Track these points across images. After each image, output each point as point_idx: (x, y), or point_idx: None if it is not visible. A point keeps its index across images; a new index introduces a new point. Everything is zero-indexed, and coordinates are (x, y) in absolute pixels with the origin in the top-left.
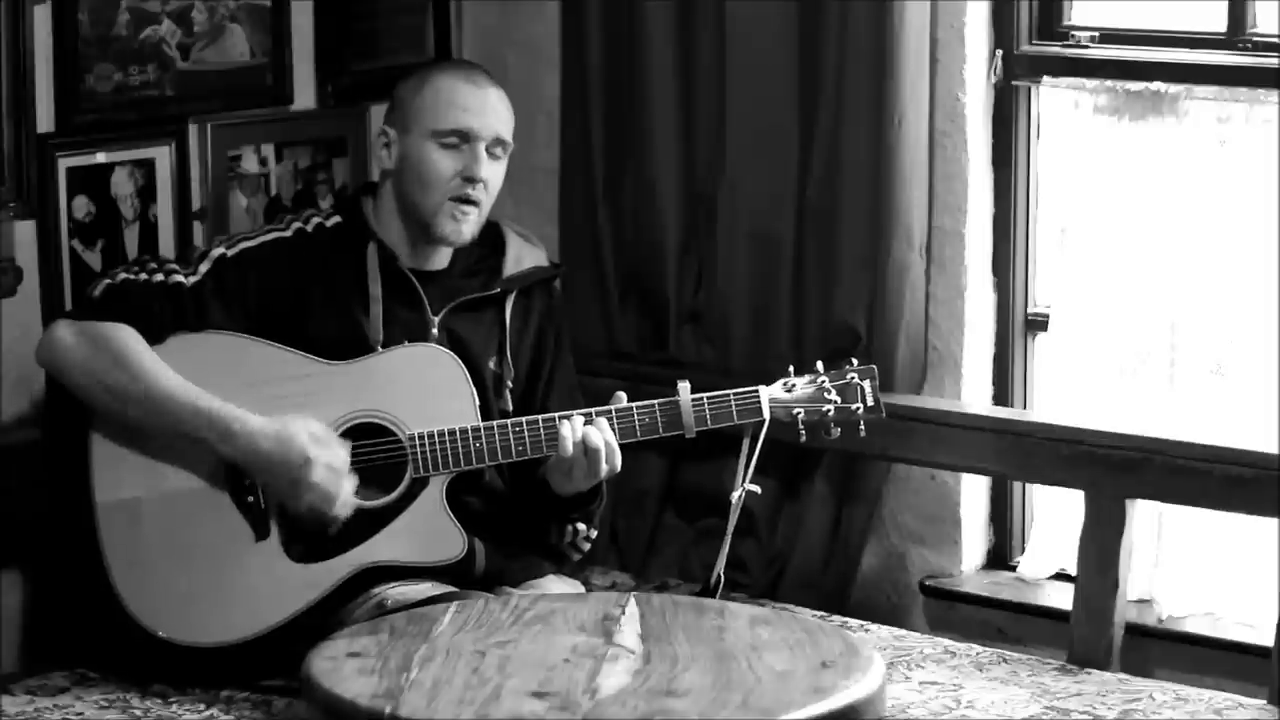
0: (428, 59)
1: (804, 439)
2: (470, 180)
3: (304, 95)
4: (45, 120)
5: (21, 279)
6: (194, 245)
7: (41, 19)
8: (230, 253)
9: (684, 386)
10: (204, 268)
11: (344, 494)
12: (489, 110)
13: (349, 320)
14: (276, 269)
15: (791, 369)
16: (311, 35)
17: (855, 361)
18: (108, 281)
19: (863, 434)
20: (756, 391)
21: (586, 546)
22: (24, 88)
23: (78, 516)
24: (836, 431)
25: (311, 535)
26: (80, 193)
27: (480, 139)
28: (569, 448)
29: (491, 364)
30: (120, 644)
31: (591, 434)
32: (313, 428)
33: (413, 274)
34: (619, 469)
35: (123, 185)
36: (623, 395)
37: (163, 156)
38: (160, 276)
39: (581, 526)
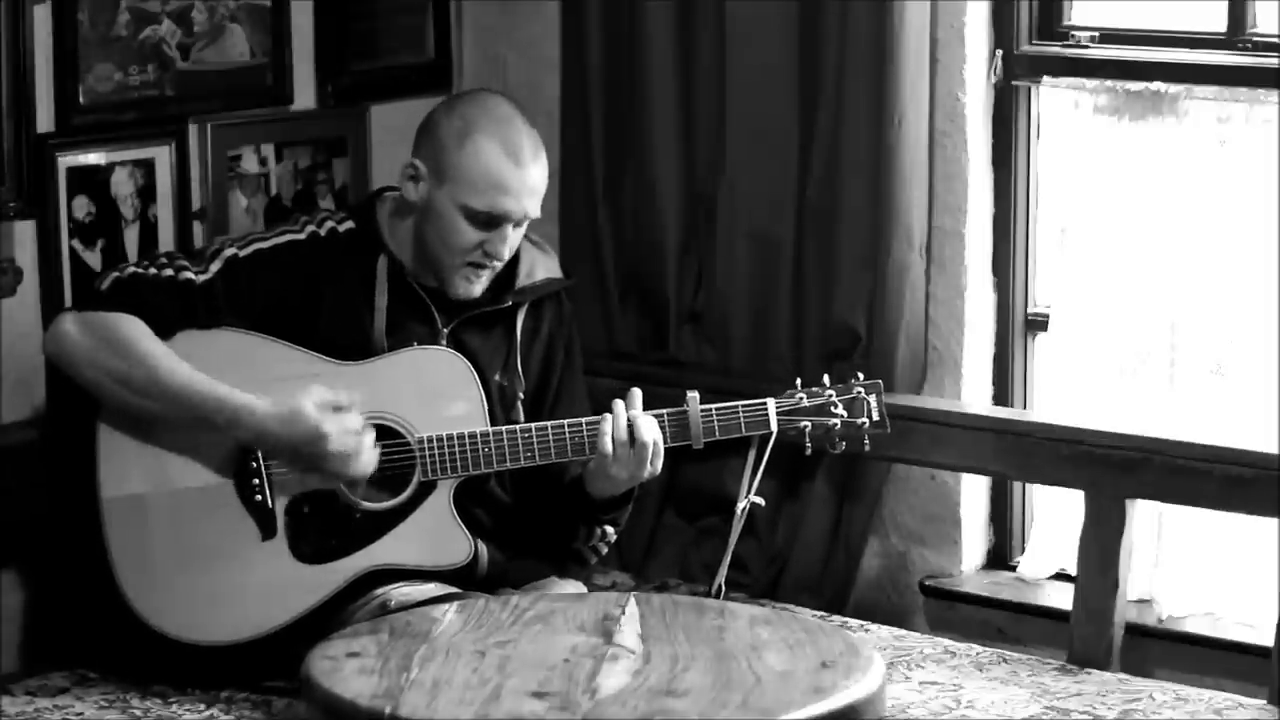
0: (474, 95)
1: (809, 452)
2: (490, 255)
3: (304, 95)
4: (45, 120)
5: (21, 279)
6: (207, 242)
7: (41, 19)
8: (243, 253)
9: (693, 397)
10: (215, 267)
11: (365, 448)
12: (527, 193)
13: (356, 328)
14: (287, 271)
15: (799, 381)
16: (311, 35)
17: (861, 375)
18: (116, 275)
19: (867, 448)
20: (765, 404)
21: (605, 549)
22: (24, 88)
23: (83, 512)
24: (841, 445)
25: (318, 536)
26: (80, 193)
27: (510, 220)
28: (608, 445)
29: (497, 377)
30: (123, 641)
31: (643, 429)
32: (317, 396)
33: (421, 288)
34: (659, 471)
35: (123, 185)
36: (638, 392)
37: (163, 156)
38: (170, 272)
39: (610, 529)
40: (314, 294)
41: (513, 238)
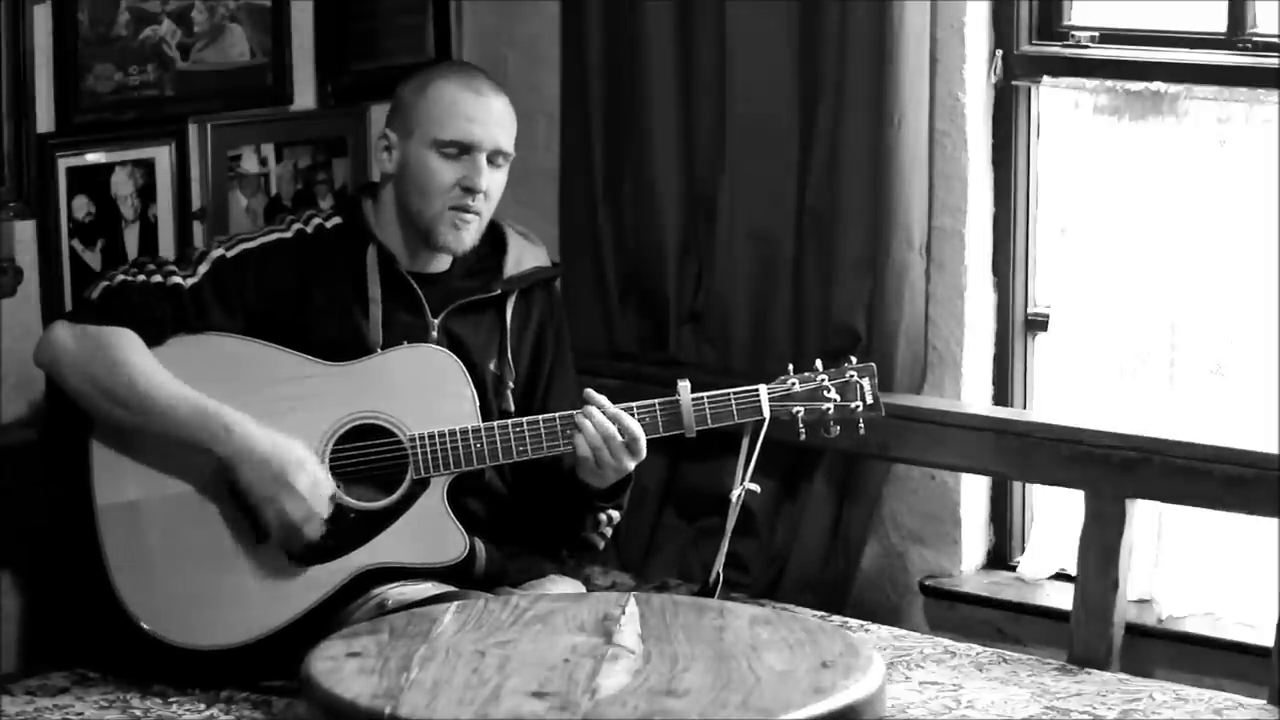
0: (429, 60)
1: (804, 437)
2: (470, 191)
3: (304, 95)
4: (45, 120)
5: (21, 279)
6: (193, 246)
7: (41, 19)
8: (230, 254)
9: (684, 386)
10: (203, 269)
11: (320, 514)
12: (492, 121)
13: (348, 322)
14: (276, 270)
15: (791, 367)
16: (311, 35)
17: (854, 360)
18: (106, 283)
19: (862, 432)
20: (757, 390)
21: (610, 532)
22: (24, 88)
23: (78, 519)
24: (836, 430)
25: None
26: (80, 193)
27: (481, 150)
28: (586, 450)
29: (492, 365)
30: (121, 646)
31: (589, 436)
32: (307, 450)
33: (412, 276)
34: (643, 455)
35: (123, 185)
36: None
37: (163, 156)
38: (159, 278)
39: (614, 513)
40: (305, 292)
41: (489, 174)
